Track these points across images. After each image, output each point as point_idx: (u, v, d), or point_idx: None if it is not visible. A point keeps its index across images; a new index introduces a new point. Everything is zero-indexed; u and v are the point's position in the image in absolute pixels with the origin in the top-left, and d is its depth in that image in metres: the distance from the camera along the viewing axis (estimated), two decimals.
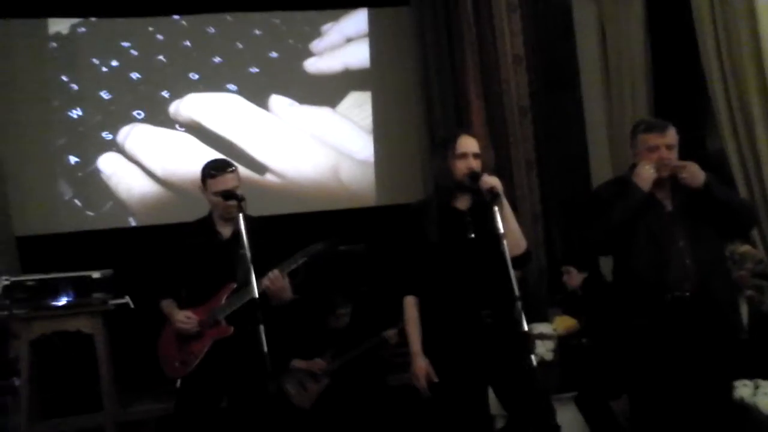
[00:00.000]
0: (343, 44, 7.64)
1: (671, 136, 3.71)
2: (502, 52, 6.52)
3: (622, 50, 5.78)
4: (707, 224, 3.66)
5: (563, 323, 5.19)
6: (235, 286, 3.87)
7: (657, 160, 3.66)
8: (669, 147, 3.68)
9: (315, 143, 7.47)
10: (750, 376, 4.02)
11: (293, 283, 3.93)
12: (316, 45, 7.57)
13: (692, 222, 3.66)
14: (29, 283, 4.18)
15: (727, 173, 4.75)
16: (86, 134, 7.08)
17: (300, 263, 3.80)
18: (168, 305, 3.98)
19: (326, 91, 7.55)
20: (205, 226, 4.04)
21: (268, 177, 7.34)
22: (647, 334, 3.66)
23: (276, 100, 7.43)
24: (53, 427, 4.75)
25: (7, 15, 6.82)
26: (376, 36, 7.70)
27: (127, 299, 4.33)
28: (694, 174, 3.57)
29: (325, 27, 7.61)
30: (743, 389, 3.96)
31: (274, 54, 7.47)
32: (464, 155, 3.46)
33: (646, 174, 3.64)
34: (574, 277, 5.39)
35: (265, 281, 3.68)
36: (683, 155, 3.77)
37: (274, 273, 3.71)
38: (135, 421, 5.28)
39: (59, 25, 7.04)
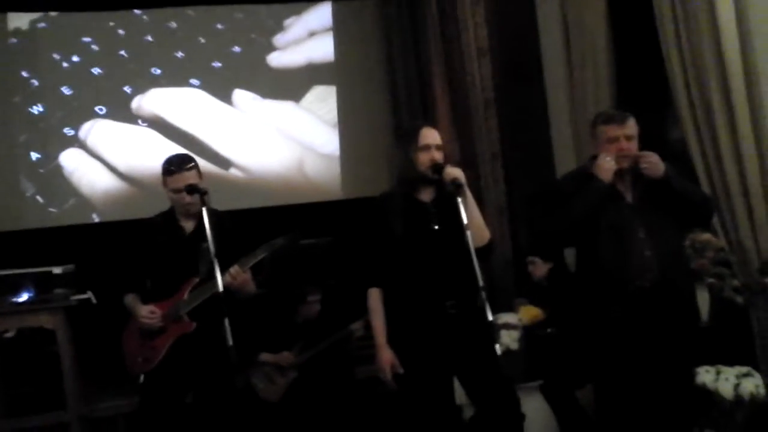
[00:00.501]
0: (307, 38, 7.62)
1: (630, 126, 3.73)
2: (466, 44, 6.53)
3: (584, 42, 5.81)
4: (666, 215, 3.70)
5: (528, 313, 5.22)
6: (197, 280, 3.85)
7: (617, 151, 3.69)
8: (628, 138, 3.71)
9: (279, 137, 7.46)
10: (712, 362, 4.08)
11: (258, 278, 3.92)
12: (279, 39, 7.54)
13: (652, 213, 3.69)
14: None
15: (688, 163, 4.79)
16: (48, 130, 7.01)
17: (260, 258, 3.78)
18: (132, 300, 3.96)
19: (290, 85, 7.53)
20: (167, 220, 4.01)
21: (233, 171, 7.32)
22: (610, 324, 3.70)
23: (239, 95, 7.41)
24: (17, 424, 4.71)
25: None
26: (340, 30, 7.68)
27: (89, 295, 4.29)
28: (655, 164, 3.60)
29: (288, 21, 7.59)
30: (705, 375, 4.01)
31: (237, 48, 7.44)
32: (427, 147, 3.48)
33: (607, 165, 3.67)
34: (539, 268, 5.43)
35: (227, 277, 3.66)
36: (644, 145, 3.80)
37: (235, 268, 3.69)
38: (103, 417, 5.23)
39: (19, 21, 6.96)
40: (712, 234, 4.64)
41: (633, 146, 3.71)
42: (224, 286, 3.56)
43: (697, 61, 4.68)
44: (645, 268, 3.64)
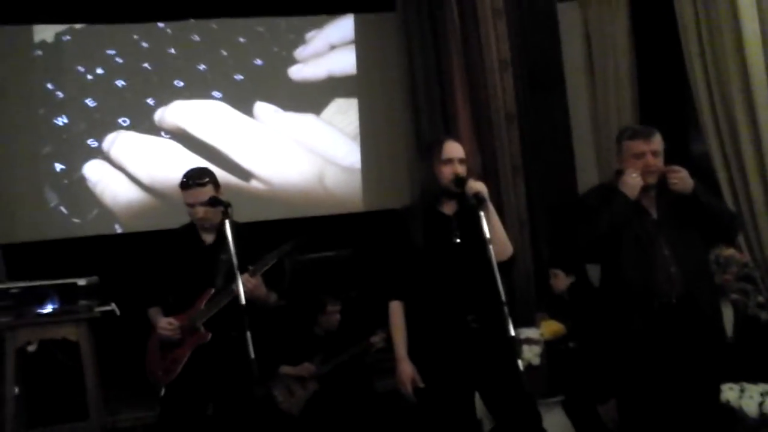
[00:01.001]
0: (328, 51, 7.63)
1: (657, 142, 3.72)
2: (488, 57, 6.52)
3: (607, 56, 5.81)
4: (691, 231, 3.68)
5: (550, 328, 5.19)
6: (213, 291, 3.86)
7: (643, 166, 3.67)
8: (655, 153, 3.69)
9: (300, 150, 7.47)
10: (736, 379, 4.04)
11: (279, 288, 3.93)
12: (300, 52, 7.56)
13: (677, 229, 3.67)
14: (13, 290, 4.14)
15: (712, 178, 4.77)
16: (72, 142, 7.04)
17: (271, 263, 3.79)
18: (154, 313, 3.98)
19: (311, 97, 7.54)
20: (188, 232, 4.03)
21: (254, 183, 7.32)
22: (634, 339, 3.68)
23: (261, 107, 7.42)
24: None
25: None
26: (362, 42, 7.69)
27: (113, 306, 4.31)
28: (684, 179, 3.58)
29: (309, 34, 7.61)
30: (729, 392, 3.97)
31: (258, 61, 7.45)
32: (450, 160, 3.47)
33: (633, 182, 3.65)
34: (561, 281, 5.41)
35: (239, 285, 3.68)
36: (669, 159, 3.79)
37: (244, 276, 3.70)
38: (123, 428, 5.26)
39: (44, 33, 7.00)
40: (737, 249, 4.62)
41: (659, 162, 3.70)
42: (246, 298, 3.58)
43: (722, 77, 4.67)
44: (670, 284, 3.62)
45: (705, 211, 3.60)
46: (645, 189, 3.69)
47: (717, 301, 3.82)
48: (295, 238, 3.87)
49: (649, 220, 3.72)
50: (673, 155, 3.87)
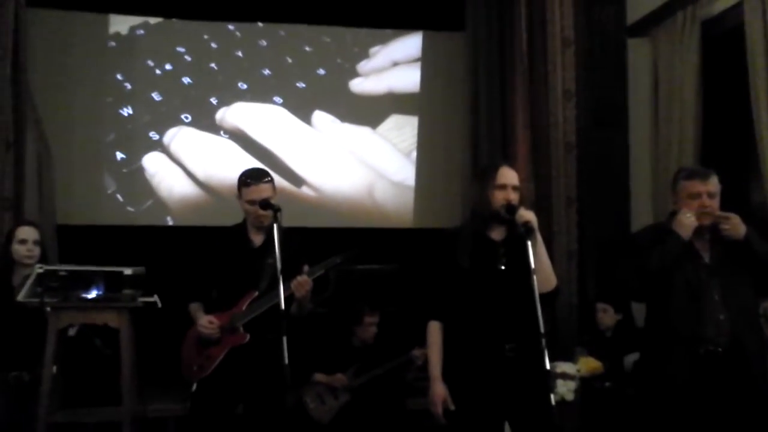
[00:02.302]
0: (390, 67, 7.69)
1: (713, 184, 3.67)
2: (552, 86, 6.50)
3: (673, 94, 5.74)
4: (744, 279, 3.61)
5: (587, 365, 5.13)
6: (256, 294, 3.89)
7: (698, 207, 3.62)
8: (711, 195, 3.64)
9: (353, 161, 7.53)
10: None
11: (321, 296, 3.95)
12: (363, 66, 7.63)
13: (729, 275, 3.61)
14: (62, 273, 4.20)
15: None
16: (134, 132, 7.19)
17: (318, 273, 3.81)
18: (196, 309, 4.03)
19: (369, 111, 7.61)
20: (238, 232, 4.08)
21: (305, 189, 7.39)
22: (680, 385, 3.62)
23: (319, 116, 7.51)
24: (72, 416, 4.80)
25: (70, 7, 6.96)
26: (427, 60, 7.73)
27: (155, 298, 4.36)
28: (736, 226, 3.53)
29: (374, 49, 7.69)
30: None
31: (321, 71, 7.55)
32: (503, 186, 3.46)
33: (687, 222, 3.60)
34: (609, 317, 5.36)
35: (293, 283, 3.70)
36: (725, 206, 3.73)
37: (303, 277, 3.72)
38: (154, 418, 5.31)
39: (119, 25, 7.17)
40: None
41: (715, 204, 3.65)
42: (288, 294, 3.61)
43: None
44: (718, 332, 3.56)
45: (757, 259, 3.54)
46: (699, 232, 3.63)
47: (765, 353, 3.71)
48: (347, 252, 3.90)
49: (701, 264, 3.66)
50: (731, 202, 3.81)
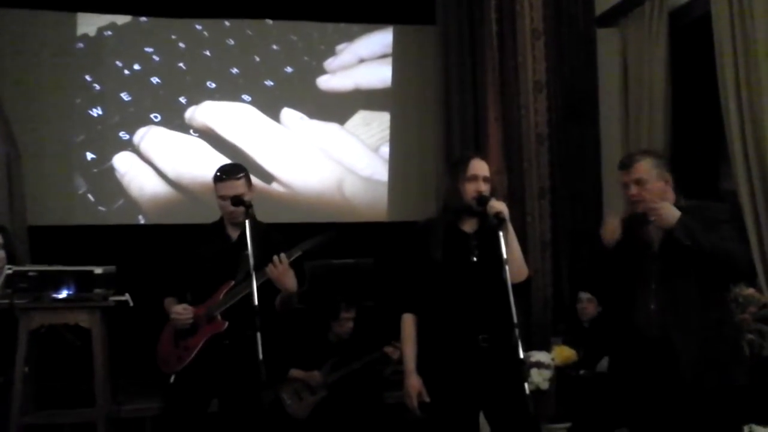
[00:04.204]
0: (356, 64, 7.78)
1: (637, 171, 3.47)
2: (523, 77, 6.53)
3: (642, 84, 5.77)
4: (685, 269, 3.40)
5: (562, 354, 5.16)
6: (232, 283, 3.88)
7: (629, 197, 3.51)
8: (639, 182, 3.46)
9: (321, 157, 7.61)
10: (746, 421, 3.98)
11: (299, 290, 3.93)
12: (329, 63, 7.72)
13: (670, 265, 3.44)
14: (31, 273, 4.18)
15: (739, 214, 4.71)
16: (104, 133, 7.20)
17: (298, 254, 3.79)
18: (170, 302, 4.00)
19: (336, 108, 7.68)
20: (216, 228, 4.07)
21: (275, 186, 7.46)
22: (621, 374, 3.61)
23: (287, 113, 7.58)
24: (45, 418, 4.77)
25: (37, 6, 6.91)
26: (398, 54, 7.77)
27: (127, 297, 4.33)
28: (662, 216, 3.33)
29: (340, 46, 7.77)
30: None
31: (289, 69, 7.61)
32: (474, 178, 3.45)
33: (608, 227, 3.52)
34: (592, 307, 5.39)
35: (270, 264, 3.68)
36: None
37: (281, 255, 3.70)
38: (130, 419, 5.29)
39: (87, 27, 7.18)
40: (757, 290, 4.55)
41: (645, 191, 3.45)
42: (263, 280, 3.61)
43: (756, 112, 4.63)
44: (648, 322, 3.47)
45: (698, 249, 3.29)
46: (644, 221, 3.51)
47: (703, 349, 3.41)
48: (325, 233, 3.88)
49: (649, 252, 3.53)
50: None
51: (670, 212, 3.35)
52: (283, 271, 3.69)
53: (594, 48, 6.69)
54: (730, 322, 3.52)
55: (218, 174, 3.97)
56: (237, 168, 4.03)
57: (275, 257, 3.68)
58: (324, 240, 3.87)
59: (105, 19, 7.21)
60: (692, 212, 3.37)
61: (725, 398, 3.36)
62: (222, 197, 3.91)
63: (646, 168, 3.49)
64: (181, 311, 3.88)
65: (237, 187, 3.89)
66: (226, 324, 3.85)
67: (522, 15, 6.54)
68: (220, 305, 3.87)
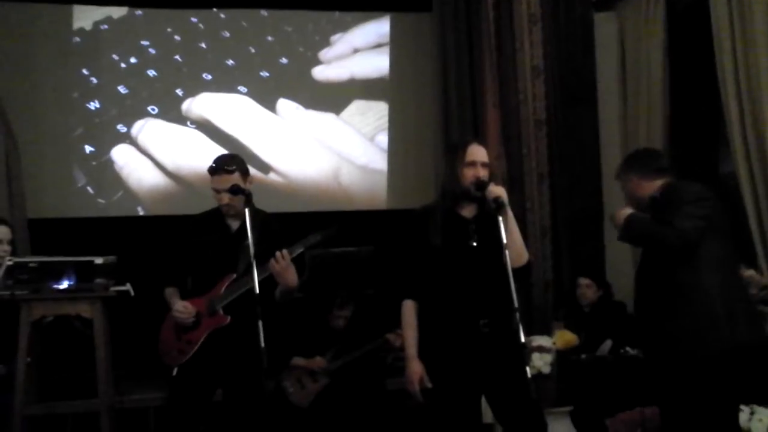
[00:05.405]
0: (350, 54, 7.77)
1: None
2: (521, 63, 6.52)
3: (640, 69, 5.77)
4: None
5: (563, 338, 5.16)
6: (234, 276, 3.87)
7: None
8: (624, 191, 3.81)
9: (318, 147, 7.62)
10: (747, 401, 3.99)
11: (300, 280, 3.93)
12: (324, 53, 7.73)
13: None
14: (32, 264, 4.18)
15: (738, 196, 4.73)
16: (102, 126, 7.20)
17: (298, 252, 3.78)
18: (171, 293, 3.99)
19: (332, 98, 7.69)
20: (215, 217, 4.04)
21: (272, 176, 7.48)
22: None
23: (283, 104, 7.59)
24: (48, 409, 4.78)
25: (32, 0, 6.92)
26: (396, 41, 7.76)
27: (128, 287, 4.33)
28: (615, 223, 3.63)
29: (334, 37, 7.76)
30: (740, 414, 3.91)
31: (284, 60, 7.62)
32: (473, 163, 3.46)
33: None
34: (593, 292, 5.40)
35: (272, 260, 3.67)
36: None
37: (283, 252, 3.69)
38: (133, 409, 5.29)
39: (83, 21, 7.18)
40: (757, 271, 4.56)
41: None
42: (266, 274, 3.60)
43: (754, 95, 4.64)
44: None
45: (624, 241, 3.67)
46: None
47: (657, 318, 3.60)
48: (326, 229, 3.87)
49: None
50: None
51: (621, 216, 3.57)
52: (284, 266, 3.68)
53: (591, 33, 6.69)
54: (699, 293, 3.50)
55: (212, 166, 3.96)
56: (231, 160, 4.00)
57: (277, 253, 3.67)
58: (326, 235, 3.85)
59: (101, 13, 7.20)
60: (662, 196, 3.59)
61: (697, 367, 3.41)
62: (216, 190, 3.91)
63: (620, 181, 3.83)
64: (182, 310, 3.86)
65: (230, 180, 3.87)
66: (229, 318, 3.85)
67: (519, 0, 6.53)
68: (222, 299, 3.86)
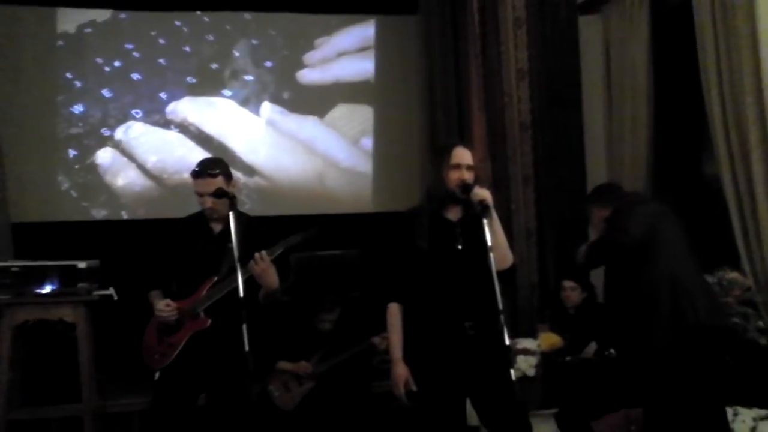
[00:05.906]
0: (335, 57, 7.80)
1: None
2: (506, 66, 6.53)
3: (625, 71, 5.78)
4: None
5: (547, 340, 5.17)
6: (216, 279, 3.86)
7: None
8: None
9: (302, 150, 7.64)
10: (730, 403, 4.01)
11: (283, 284, 3.92)
12: (309, 57, 7.74)
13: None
14: (14, 269, 4.16)
15: (721, 198, 4.74)
16: (86, 129, 7.19)
17: (278, 253, 3.77)
18: (155, 296, 3.98)
19: (316, 101, 7.71)
20: (198, 221, 4.04)
21: (257, 179, 7.48)
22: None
23: (268, 107, 7.61)
24: (31, 414, 4.75)
25: (17, 2, 6.88)
26: (381, 44, 7.78)
27: (111, 291, 4.32)
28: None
29: (318, 40, 7.78)
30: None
31: (268, 63, 7.64)
32: (458, 166, 3.47)
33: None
34: (577, 295, 5.41)
35: (251, 261, 3.66)
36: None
37: (262, 253, 3.68)
38: (117, 413, 5.27)
39: (67, 25, 7.16)
40: (740, 273, 4.57)
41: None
42: (247, 276, 3.58)
43: (737, 98, 4.64)
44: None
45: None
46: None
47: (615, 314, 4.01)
48: (307, 230, 3.86)
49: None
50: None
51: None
52: (264, 267, 3.68)
53: (576, 35, 6.70)
54: (645, 290, 3.87)
55: (196, 170, 3.95)
56: (214, 164, 3.99)
57: (257, 254, 3.66)
58: (306, 237, 3.85)
59: (85, 16, 7.19)
60: (612, 214, 4.09)
61: (648, 362, 3.67)
62: (199, 193, 3.90)
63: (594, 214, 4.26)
64: (164, 308, 3.86)
65: (213, 183, 3.86)
66: (209, 321, 3.84)
67: (504, 3, 6.54)
68: (203, 301, 3.86)
